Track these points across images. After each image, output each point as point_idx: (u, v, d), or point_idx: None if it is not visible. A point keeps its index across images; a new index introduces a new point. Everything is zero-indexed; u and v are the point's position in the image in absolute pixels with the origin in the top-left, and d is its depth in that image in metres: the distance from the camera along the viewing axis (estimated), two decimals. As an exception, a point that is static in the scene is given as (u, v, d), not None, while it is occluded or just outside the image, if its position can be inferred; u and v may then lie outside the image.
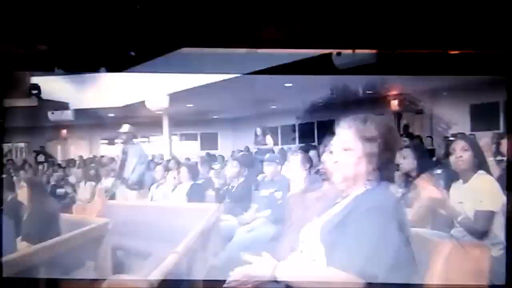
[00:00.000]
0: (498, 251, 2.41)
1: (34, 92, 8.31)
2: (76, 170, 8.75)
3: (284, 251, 2.71)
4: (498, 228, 2.45)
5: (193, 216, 3.70)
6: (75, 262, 2.97)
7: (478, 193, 2.46)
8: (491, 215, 2.41)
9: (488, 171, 2.59)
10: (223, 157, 12.92)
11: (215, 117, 19.02)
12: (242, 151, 11.96)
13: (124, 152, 6.19)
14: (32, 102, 8.33)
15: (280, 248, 2.86)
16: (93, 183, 7.37)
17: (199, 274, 2.58)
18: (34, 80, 8.70)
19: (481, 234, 2.39)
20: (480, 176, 2.53)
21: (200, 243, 2.61)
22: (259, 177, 6.01)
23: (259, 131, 7.60)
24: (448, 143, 2.82)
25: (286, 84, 11.52)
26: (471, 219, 2.48)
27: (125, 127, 5.06)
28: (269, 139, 4.31)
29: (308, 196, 2.87)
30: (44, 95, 8.69)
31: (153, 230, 4.46)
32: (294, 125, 17.23)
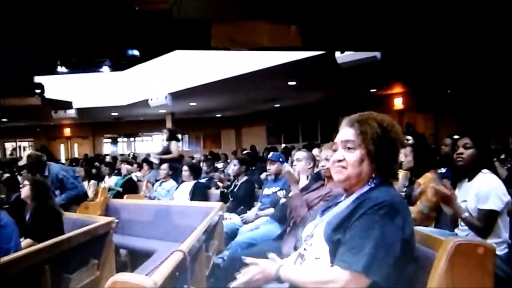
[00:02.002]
0: (503, 250, 2.41)
1: (38, 91, 8.34)
2: (80, 168, 8.78)
3: (287, 250, 2.72)
4: (502, 227, 2.44)
5: (197, 214, 3.71)
6: (79, 260, 2.99)
7: (481, 192, 2.45)
8: (493, 214, 2.40)
9: (493, 170, 2.58)
10: (226, 155, 12.99)
11: (218, 115, 19.00)
12: (245, 149, 12.02)
13: None
14: (36, 101, 8.36)
15: (284, 247, 2.87)
16: (96, 182, 7.43)
17: (203, 272, 2.59)
18: (38, 79, 8.71)
19: (483, 232, 2.38)
20: (484, 175, 2.51)
21: (203, 242, 2.61)
22: (262, 176, 6.02)
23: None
24: (453, 140, 2.80)
25: (290, 83, 11.49)
26: (474, 217, 2.47)
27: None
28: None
29: (311, 195, 2.87)
30: (47, 94, 8.69)
31: (157, 229, 4.48)
32: (297, 124, 17.24)
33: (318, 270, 1.42)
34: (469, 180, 2.58)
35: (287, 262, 1.66)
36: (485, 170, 2.52)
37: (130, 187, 7.29)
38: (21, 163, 5.07)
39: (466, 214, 2.48)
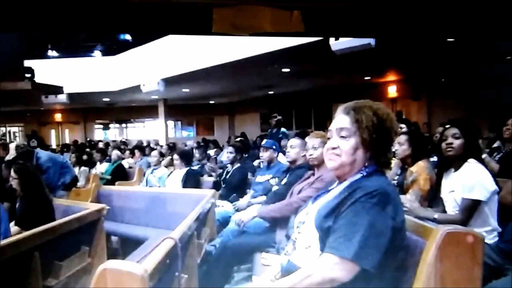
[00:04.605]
0: (493, 239, 2.43)
1: (28, 75, 8.25)
2: (71, 155, 8.72)
3: (280, 238, 2.73)
4: (490, 215, 2.45)
5: (189, 202, 3.70)
6: (70, 247, 2.98)
7: (468, 181, 2.45)
8: (476, 203, 2.41)
9: (480, 160, 2.58)
10: (217, 142, 12.94)
11: (211, 102, 18.92)
12: (238, 136, 12.01)
13: None
14: (25, 85, 8.27)
15: (277, 235, 2.88)
16: (87, 168, 7.39)
17: (195, 259, 2.59)
18: (28, 63, 8.61)
19: (461, 223, 2.39)
20: (470, 165, 2.52)
21: (195, 229, 2.60)
22: (255, 163, 6.03)
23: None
24: (444, 129, 2.80)
25: (284, 70, 11.45)
26: (446, 212, 2.53)
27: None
28: None
29: (303, 184, 2.88)
30: (38, 79, 8.59)
31: (148, 216, 4.47)
32: (291, 111, 17.21)
33: (305, 267, 1.42)
34: (456, 170, 2.59)
35: (268, 275, 1.66)
36: (471, 160, 2.53)
37: (120, 174, 7.26)
38: (9, 156, 5.01)
39: (436, 215, 2.51)
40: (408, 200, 2.79)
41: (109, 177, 7.15)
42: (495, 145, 5.20)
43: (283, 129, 8.40)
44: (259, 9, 2.08)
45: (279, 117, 8.54)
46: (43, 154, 5.07)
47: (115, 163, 7.62)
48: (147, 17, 2.27)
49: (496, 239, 2.43)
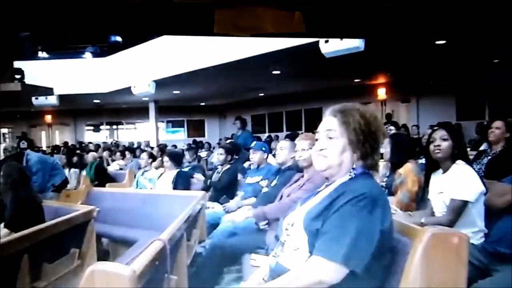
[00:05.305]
0: (479, 239, 2.46)
1: (18, 76, 8.16)
2: (61, 156, 8.66)
3: (269, 239, 2.74)
4: (477, 216, 2.49)
5: (179, 203, 3.70)
6: (60, 249, 2.96)
7: (456, 182, 2.49)
8: (464, 204, 2.45)
9: (467, 161, 2.62)
10: (210, 144, 12.93)
11: (202, 104, 18.86)
12: (229, 138, 11.99)
13: None
14: (15, 87, 8.19)
15: (267, 237, 2.89)
16: (78, 170, 7.35)
17: (184, 261, 2.59)
18: (18, 64, 8.51)
19: (449, 224, 2.42)
20: (459, 166, 2.56)
21: (185, 230, 2.61)
22: (245, 165, 6.03)
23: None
24: (432, 132, 2.83)
25: (274, 72, 11.45)
26: (434, 215, 2.58)
27: None
28: None
29: (293, 186, 2.89)
30: (28, 80, 8.49)
31: (139, 218, 4.46)
32: (281, 113, 17.23)
33: (293, 269, 1.43)
34: (444, 172, 2.62)
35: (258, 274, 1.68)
36: (459, 162, 2.57)
37: (102, 173, 7.19)
38: None
39: (423, 220, 2.54)
40: (394, 209, 2.83)
41: (96, 183, 7.07)
42: (482, 148, 5.25)
43: (247, 130, 8.28)
44: (260, 10, 2.10)
45: (243, 118, 8.44)
46: (33, 156, 5.04)
47: (92, 166, 7.51)
48: (148, 17, 2.27)
49: (483, 240, 2.46)
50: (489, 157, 3.83)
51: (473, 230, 2.45)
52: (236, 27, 2.10)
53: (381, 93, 13.42)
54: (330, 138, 1.53)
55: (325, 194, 1.53)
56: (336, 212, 1.40)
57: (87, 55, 13.68)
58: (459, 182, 2.48)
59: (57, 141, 18.84)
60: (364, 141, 1.50)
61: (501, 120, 3.83)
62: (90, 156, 7.77)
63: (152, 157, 6.29)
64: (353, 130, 1.50)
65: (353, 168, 1.52)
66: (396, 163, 3.34)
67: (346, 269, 1.33)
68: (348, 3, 2.22)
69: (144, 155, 6.27)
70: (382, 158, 3.45)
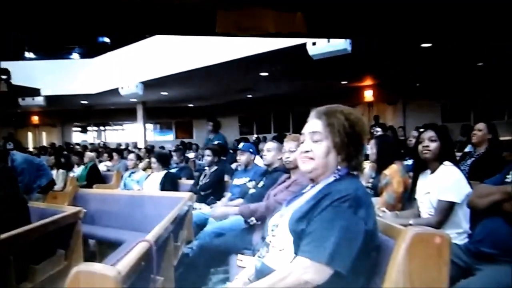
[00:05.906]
0: (463, 240, 2.50)
1: (4, 77, 8.07)
2: (48, 157, 8.58)
3: (256, 240, 2.75)
4: (463, 218, 2.53)
5: (166, 204, 3.69)
6: (46, 250, 2.94)
7: (443, 183, 2.53)
8: (452, 205, 2.49)
9: (455, 162, 2.67)
10: (197, 145, 12.90)
11: (190, 105, 18.86)
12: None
13: None
14: (1, 87, 8.09)
15: (254, 237, 2.90)
16: (65, 171, 7.28)
17: (171, 262, 2.59)
18: (4, 65, 8.43)
19: (438, 225, 2.46)
20: (446, 167, 2.60)
21: (172, 231, 2.61)
22: (233, 166, 6.04)
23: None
24: (419, 133, 2.88)
25: (262, 74, 11.49)
26: (423, 217, 2.62)
27: None
28: None
29: (279, 188, 2.91)
30: (14, 81, 8.41)
31: (126, 219, 4.44)
32: (269, 114, 17.29)
33: (279, 270, 1.44)
34: (432, 172, 2.66)
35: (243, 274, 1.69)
36: (447, 163, 2.61)
37: (95, 175, 7.17)
38: None
39: (411, 221, 2.58)
40: (380, 210, 2.87)
41: (85, 182, 7.03)
42: (467, 149, 5.31)
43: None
44: (262, 11, 2.11)
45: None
46: (18, 156, 4.98)
47: (87, 166, 7.50)
48: (150, 17, 2.28)
49: (466, 240, 2.50)
50: (473, 159, 3.89)
51: (458, 231, 2.49)
52: (238, 28, 2.11)
53: (368, 95, 13.52)
54: (315, 140, 1.54)
55: (310, 195, 1.54)
56: (320, 213, 1.42)
57: (75, 55, 13.58)
58: (446, 184, 2.52)
59: (44, 143, 18.64)
60: (349, 143, 1.52)
61: (483, 122, 3.90)
62: (87, 156, 7.74)
63: (139, 158, 6.26)
64: (337, 132, 1.51)
65: (337, 169, 1.54)
66: (381, 164, 3.38)
67: (331, 269, 1.35)
68: (348, 3, 2.25)
69: (132, 156, 6.24)
70: (368, 159, 3.49)
